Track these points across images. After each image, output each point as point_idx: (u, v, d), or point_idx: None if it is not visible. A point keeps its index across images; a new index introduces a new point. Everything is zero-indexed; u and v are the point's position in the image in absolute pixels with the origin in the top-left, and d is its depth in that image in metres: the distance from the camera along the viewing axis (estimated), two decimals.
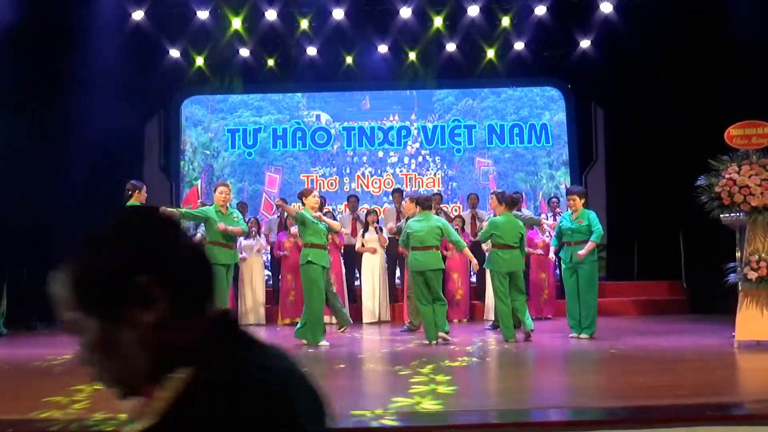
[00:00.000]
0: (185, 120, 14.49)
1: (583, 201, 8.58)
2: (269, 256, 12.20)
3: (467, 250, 8.54)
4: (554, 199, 12.52)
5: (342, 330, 9.16)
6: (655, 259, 12.39)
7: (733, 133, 7.83)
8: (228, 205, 8.22)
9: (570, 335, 8.41)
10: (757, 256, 7.39)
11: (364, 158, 14.52)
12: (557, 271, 10.78)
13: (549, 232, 11.29)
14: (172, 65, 13.39)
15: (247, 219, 11.59)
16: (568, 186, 12.41)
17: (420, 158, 14.54)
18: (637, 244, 12.77)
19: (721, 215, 7.53)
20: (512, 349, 7.64)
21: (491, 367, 6.42)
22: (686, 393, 4.48)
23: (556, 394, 4.77)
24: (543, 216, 12.15)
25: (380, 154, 14.53)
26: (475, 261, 8.52)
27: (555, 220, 11.82)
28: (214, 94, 14.24)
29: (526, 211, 11.90)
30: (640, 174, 12.78)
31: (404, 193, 12.05)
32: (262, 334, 9.92)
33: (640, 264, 12.54)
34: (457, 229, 10.93)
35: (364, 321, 11.14)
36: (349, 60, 13.65)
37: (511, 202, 8.86)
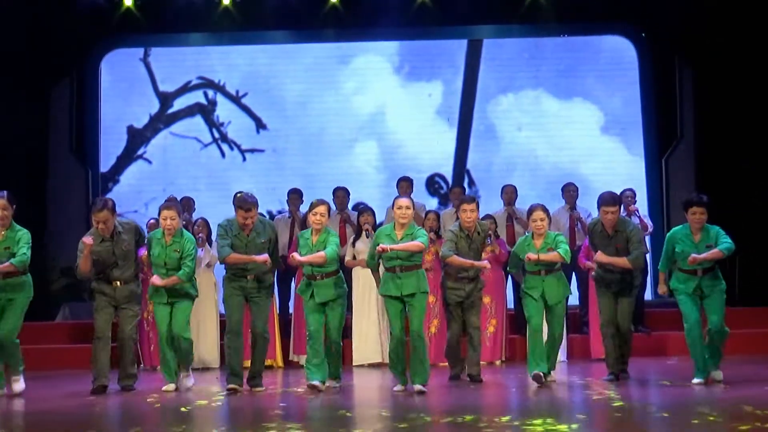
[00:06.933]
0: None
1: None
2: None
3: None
4: (628, 192, 10.17)
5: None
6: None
7: None
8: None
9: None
10: None
11: None
12: None
13: None
14: (88, 8, 11.96)
15: (194, 220, 9.87)
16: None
17: None
18: (738, 260, 11.12)
19: None
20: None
21: None
22: None
23: None
24: None
25: None
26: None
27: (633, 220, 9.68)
28: (147, 45, 12.67)
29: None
30: (743, 158, 11.27)
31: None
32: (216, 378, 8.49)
33: (742, 285, 11.06)
34: (489, 235, 9.20)
35: (355, 363, 9.47)
36: None
37: None
